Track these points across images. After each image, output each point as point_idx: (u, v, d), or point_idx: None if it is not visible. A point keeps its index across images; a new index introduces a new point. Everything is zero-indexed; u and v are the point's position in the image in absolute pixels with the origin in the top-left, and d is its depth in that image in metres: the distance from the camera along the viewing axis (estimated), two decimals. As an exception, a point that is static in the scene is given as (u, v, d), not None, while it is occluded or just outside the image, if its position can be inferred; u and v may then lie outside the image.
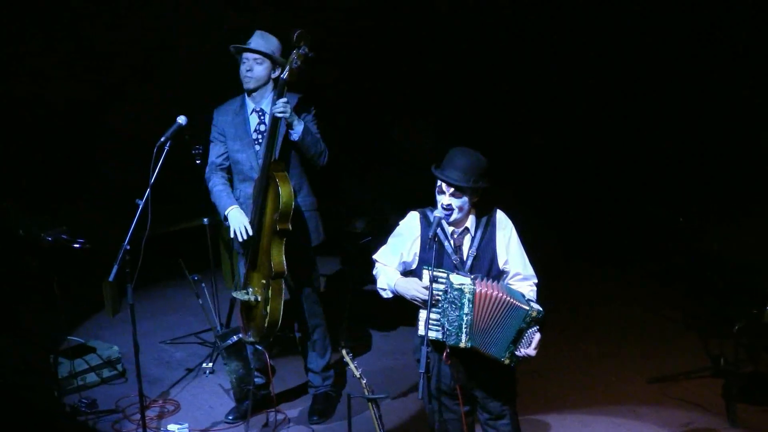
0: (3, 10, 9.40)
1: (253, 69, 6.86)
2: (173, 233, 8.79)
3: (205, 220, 8.24)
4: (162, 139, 6.51)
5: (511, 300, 5.29)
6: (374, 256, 5.68)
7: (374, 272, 5.69)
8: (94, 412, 7.44)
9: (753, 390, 7.27)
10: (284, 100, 6.60)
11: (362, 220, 9.14)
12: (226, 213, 6.95)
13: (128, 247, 6.27)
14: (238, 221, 6.88)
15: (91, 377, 7.87)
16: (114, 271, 6.27)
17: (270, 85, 6.94)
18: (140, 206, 6.32)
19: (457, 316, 5.29)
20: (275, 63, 6.86)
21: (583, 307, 9.12)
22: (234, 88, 7.09)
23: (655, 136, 10.45)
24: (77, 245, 7.49)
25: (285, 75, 6.60)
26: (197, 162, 7.88)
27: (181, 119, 6.68)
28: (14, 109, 9.50)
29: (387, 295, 5.62)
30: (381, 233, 8.38)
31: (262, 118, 6.97)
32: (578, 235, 10.46)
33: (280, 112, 6.59)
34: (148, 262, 6.43)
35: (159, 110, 7.12)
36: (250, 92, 6.95)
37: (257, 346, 6.98)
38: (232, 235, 6.93)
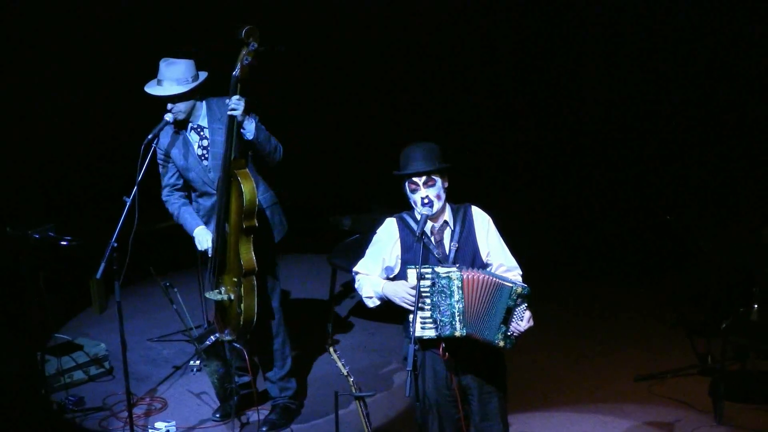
0: (9, 16, 9.44)
1: (176, 105, 6.79)
2: (161, 230, 8.78)
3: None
4: (149, 136, 6.51)
5: (496, 279, 5.31)
6: (354, 269, 5.66)
7: (356, 285, 5.67)
8: (81, 409, 7.44)
9: (740, 388, 7.28)
10: (237, 97, 6.49)
11: (349, 217, 9.13)
12: (193, 233, 6.94)
13: (116, 245, 6.26)
14: (205, 240, 6.87)
15: (78, 375, 7.86)
16: (101, 268, 6.26)
17: (200, 103, 6.86)
18: (128, 203, 6.31)
19: (449, 304, 5.29)
20: (195, 89, 6.81)
21: (571, 307, 9.13)
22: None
23: (648, 136, 10.47)
24: (64, 242, 7.47)
25: (237, 72, 6.48)
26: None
27: (168, 116, 6.68)
28: (11, 110, 9.50)
29: (374, 303, 5.58)
30: (368, 231, 8.42)
31: (202, 133, 6.87)
32: (571, 237, 10.49)
33: (231, 110, 6.50)
34: (136, 259, 6.42)
35: (146, 107, 7.09)
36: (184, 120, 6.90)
37: (235, 345, 6.95)
38: (201, 249, 6.93)
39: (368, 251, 5.61)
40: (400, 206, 5.64)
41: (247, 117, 6.59)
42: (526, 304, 5.34)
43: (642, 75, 10.39)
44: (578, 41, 10.76)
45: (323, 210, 10.23)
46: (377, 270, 5.56)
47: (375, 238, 5.60)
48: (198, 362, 8.02)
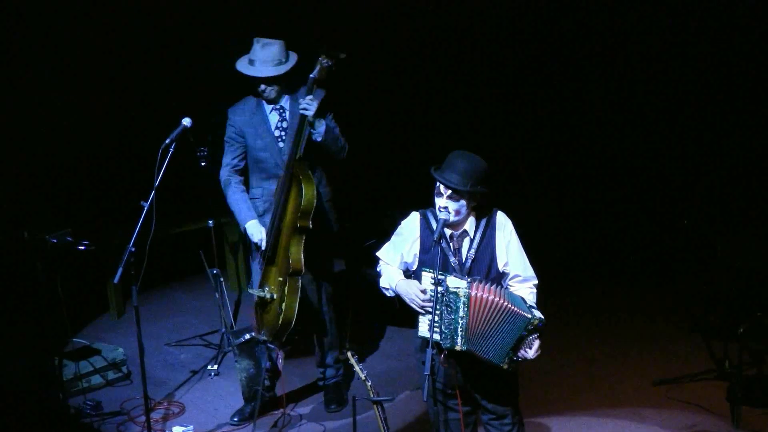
0: (8, 13, 9.42)
1: (271, 89, 6.86)
2: (178, 235, 8.81)
3: (210, 222, 8.24)
4: (167, 141, 6.52)
5: (511, 307, 5.26)
6: (377, 254, 5.69)
7: (378, 269, 5.71)
8: (99, 414, 7.46)
9: (757, 393, 7.26)
10: (310, 97, 6.57)
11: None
12: (245, 226, 6.97)
13: (133, 249, 6.27)
14: (258, 232, 6.91)
15: (96, 379, 7.88)
16: (119, 272, 6.27)
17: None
18: (145, 208, 6.32)
19: (452, 319, 5.30)
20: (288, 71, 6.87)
21: (588, 312, 9.12)
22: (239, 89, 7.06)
23: (660, 139, 10.45)
24: (82, 247, 7.49)
25: (315, 74, 6.57)
26: (202, 164, 7.90)
27: (186, 121, 6.69)
28: (19, 110, 9.50)
29: (389, 294, 5.65)
30: (385, 235, 8.43)
31: (282, 114, 6.96)
32: (583, 240, 10.48)
33: (302, 110, 6.57)
34: (153, 264, 6.44)
35: (164, 111, 7.12)
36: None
37: (270, 345, 6.98)
38: (254, 242, 6.96)
39: (392, 239, 5.65)
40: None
41: (318, 119, 6.63)
42: (537, 334, 5.34)
43: (657, 76, 10.37)
44: (587, 42, 10.73)
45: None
46: (397, 261, 5.59)
47: (399, 228, 5.62)
48: (215, 367, 8.05)
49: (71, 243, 7.51)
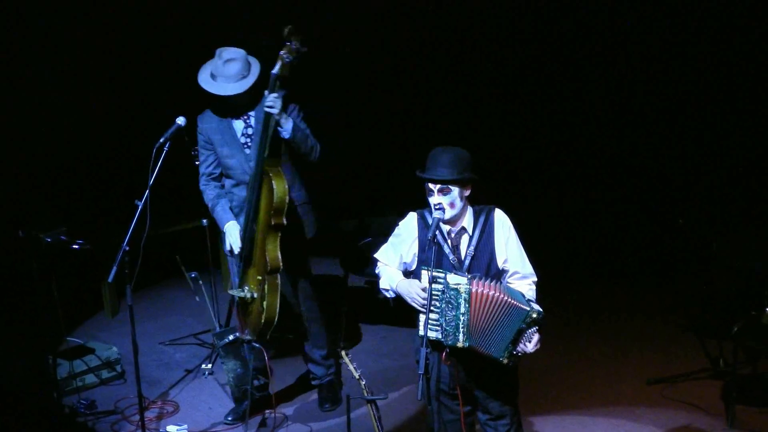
0: (8, 13, 9.44)
1: (240, 98, 6.84)
2: (172, 234, 8.79)
3: (204, 221, 8.24)
4: (161, 140, 6.51)
5: (510, 300, 5.27)
6: (376, 255, 5.68)
7: (376, 271, 5.70)
8: (93, 413, 7.44)
9: (752, 391, 7.26)
10: (275, 95, 6.51)
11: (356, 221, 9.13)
12: (224, 229, 6.97)
13: (127, 248, 6.27)
14: (234, 237, 6.90)
15: (90, 378, 7.87)
16: (113, 271, 6.28)
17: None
18: (139, 207, 6.32)
19: (454, 315, 5.29)
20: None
21: (587, 311, 9.11)
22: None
23: (659, 139, 10.45)
24: (76, 246, 7.49)
25: (277, 70, 6.48)
26: (196, 163, 7.88)
27: (180, 120, 6.68)
28: (16, 109, 9.51)
29: (390, 295, 5.63)
30: (378, 234, 8.44)
31: (248, 121, 6.92)
32: (580, 239, 10.48)
33: (269, 107, 6.52)
34: (148, 263, 6.43)
35: (161, 111, 7.10)
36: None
37: (255, 344, 6.96)
38: (227, 248, 6.96)
39: (390, 240, 5.64)
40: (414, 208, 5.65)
41: (285, 115, 6.61)
42: (537, 327, 5.33)
43: (656, 76, 10.36)
44: (587, 42, 10.73)
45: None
46: (396, 262, 5.59)
47: (397, 230, 5.61)
48: (210, 366, 8.04)
49: (66, 242, 7.51)
